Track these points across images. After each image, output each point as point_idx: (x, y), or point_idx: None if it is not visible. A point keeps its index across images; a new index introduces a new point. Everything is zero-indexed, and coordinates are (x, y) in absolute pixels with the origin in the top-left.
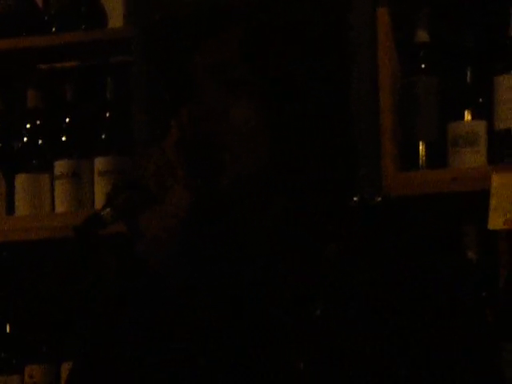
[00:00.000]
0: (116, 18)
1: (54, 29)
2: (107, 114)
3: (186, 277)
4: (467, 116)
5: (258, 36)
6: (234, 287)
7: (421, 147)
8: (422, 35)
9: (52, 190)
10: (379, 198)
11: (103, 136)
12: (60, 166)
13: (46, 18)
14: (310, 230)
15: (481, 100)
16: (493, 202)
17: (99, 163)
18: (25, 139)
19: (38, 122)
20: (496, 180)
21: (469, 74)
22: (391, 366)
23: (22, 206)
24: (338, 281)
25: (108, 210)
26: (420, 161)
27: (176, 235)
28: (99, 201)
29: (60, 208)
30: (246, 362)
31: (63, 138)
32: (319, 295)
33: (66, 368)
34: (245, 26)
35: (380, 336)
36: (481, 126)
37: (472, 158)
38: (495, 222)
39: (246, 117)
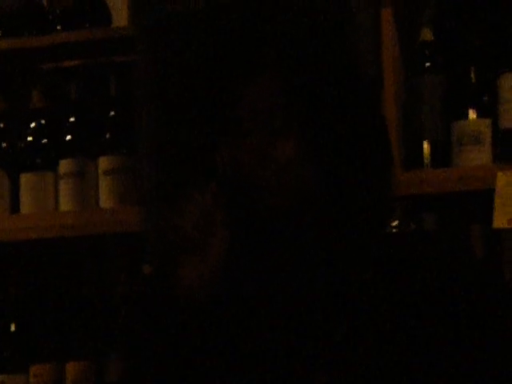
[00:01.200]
0: (120, 16)
1: (58, 28)
2: (111, 113)
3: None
4: (472, 115)
5: (297, 80)
6: (272, 319)
7: (425, 146)
8: (427, 34)
9: (56, 189)
10: (413, 226)
11: (107, 135)
12: (64, 165)
13: (50, 17)
14: (349, 257)
15: (485, 99)
16: (497, 201)
17: (103, 162)
18: (29, 138)
19: (43, 121)
20: (501, 179)
21: (473, 72)
22: None
23: (26, 205)
24: (370, 307)
25: (148, 266)
26: (425, 160)
27: (216, 282)
28: (103, 200)
29: (64, 207)
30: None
31: (67, 137)
32: (346, 321)
33: (70, 367)
34: (284, 68)
35: (402, 363)
36: (485, 125)
37: (477, 157)
38: (500, 220)
39: (288, 158)
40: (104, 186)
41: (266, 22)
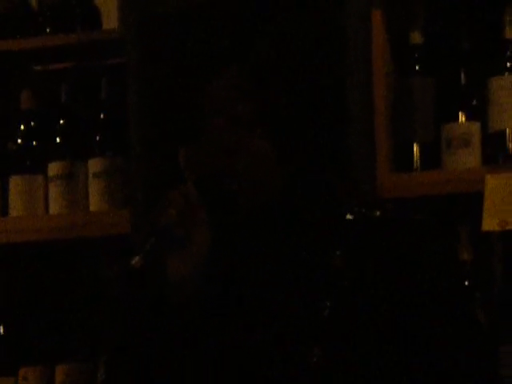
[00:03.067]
0: (110, 19)
1: (48, 30)
2: (101, 116)
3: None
4: (461, 117)
5: (257, 72)
6: (249, 303)
7: (415, 148)
8: (417, 37)
9: (46, 192)
10: (378, 213)
11: (97, 137)
12: (54, 168)
13: (40, 19)
14: (317, 241)
15: (475, 102)
16: (486, 204)
17: (93, 165)
18: (19, 141)
19: (32, 124)
20: (490, 181)
21: (463, 75)
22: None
23: (16, 208)
24: (345, 287)
25: (137, 258)
26: (414, 162)
27: (203, 274)
28: (93, 202)
29: (54, 209)
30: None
31: (57, 140)
32: (327, 299)
33: (60, 370)
34: (242, 61)
35: (385, 340)
36: (475, 128)
37: (466, 160)
38: (489, 223)
39: (255, 149)
40: (94, 188)
41: (239, 14)
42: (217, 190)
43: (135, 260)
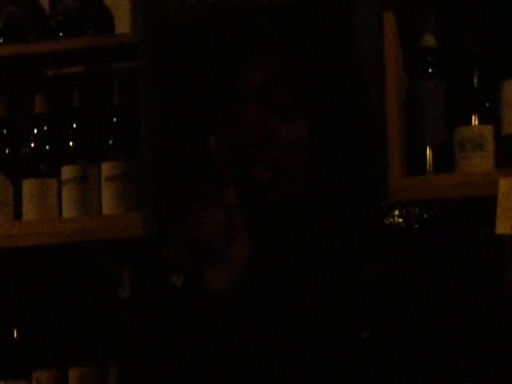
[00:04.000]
0: (123, 23)
1: (61, 34)
2: (114, 119)
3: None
4: (474, 120)
5: (299, 58)
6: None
7: (428, 152)
8: (429, 39)
9: (59, 195)
10: (413, 221)
11: (110, 141)
12: (67, 171)
13: (53, 23)
14: (352, 248)
15: (488, 104)
16: (500, 207)
17: (106, 168)
18: (32, 144)
19: (46, 128)
20: (503, 184)
21: (476, 78)
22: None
23: (29, 211)
24: (382, 298)
25: (179, 276)
26: (427, 165)
27: (240, 288)
28: (106, 206)
29: (67, 213)
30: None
31: (70, 144)
32: (365, 316)
33: (73, 373)
34: (285, 47)
35: (426, 352)
36: (488, 131)
37: (479, 163)
38: (502, 226)
39: (293, 137)
40: (107, 192)
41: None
42: (249, 179)
43: (176, 278)
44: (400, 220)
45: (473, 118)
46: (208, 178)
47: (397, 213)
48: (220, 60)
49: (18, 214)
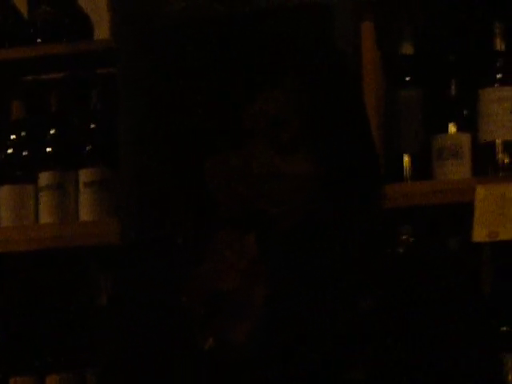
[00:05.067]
0: (102, 29)
1: (39, 40)
2: (92, 126)
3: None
4: (452, 128)
5: (313, 89)
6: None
7: (405, 159)
8: (407, 48)
9: (36, 202)
10: (401, 250)
11: (88, 147)
12: (44, 178)
13: (31, 29)
14: (345, 283)
15: (465, 112)
16: (477, 214)
17: (84, 174)
18: (9, 150)
19: (23, 134)
20: (480, 192)
21: (453, 86)
22: None
23: (6, 218)
24: (372, 335)
25: (210, 340)
26: (405, 173)
27: (262, 336)
28: (84, 212)
29: (44, 219)
30: None
31: (48, 150)
32: (357, 354)
33: (50, 380)
34: (300, 77)
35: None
36: (465, 139)
37: (456, 171)
38: (479, 234)
39: (297, 174)
40: (84, 198)
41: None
42: (256, 215)
43: (209, 342)
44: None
45: (450, 126)
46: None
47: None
48: (226, 78)
49: None
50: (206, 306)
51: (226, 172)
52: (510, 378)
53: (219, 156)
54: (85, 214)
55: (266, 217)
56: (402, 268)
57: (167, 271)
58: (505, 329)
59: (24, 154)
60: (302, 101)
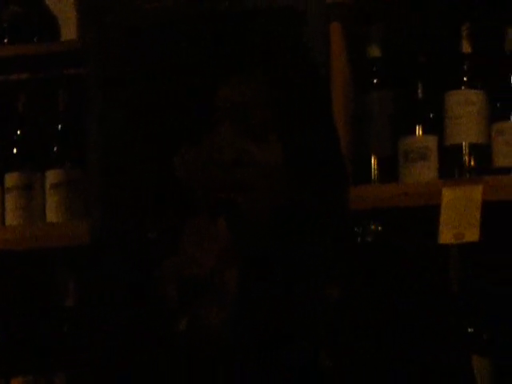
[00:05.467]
0: (69, 29)
1: (6, 40)
2: (59, 127)
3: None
4: (418, 131)
5: (280, 81)
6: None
7: (373, 161)
8: (375, 50)
9: (3, 203)
10: (369, 239)
11: (55, 148)
12: (11, 179)
13: None
14: (313, 270)
15: (432, 115)
16: (443, 217)
17: (51, 176)
18: None
19: None
20: (446, 195)
21: (420, 89)
22: None
23: None
24: (339, 326)
25: (184, 321)
26: (372, 175)
27: (236, 318)
28: (51, 213)
29: (11, 221)
30: None
31: (14, 150)
32: (323, 341)
33: (15, 383)
34: (268, 69)
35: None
36: (432, 141)
37: (423, 173)
38: (445, 236)
39: (268, 160)
40: (51, 199)
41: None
42: (222, 203)
43: (182, 324)
44: (358, 238)
45: (417, 128)
46: (170, 199)
47: (356, 229)
48: (187, 68)
49: None
50: (181, 290)
51: (196, 160)
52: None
53: (189, 145)
54: (52, 216)
55: (233, 204)
56: (371, 257)
57: (139, 264)
58: (472, 330)
59: None
60: (269, 91)
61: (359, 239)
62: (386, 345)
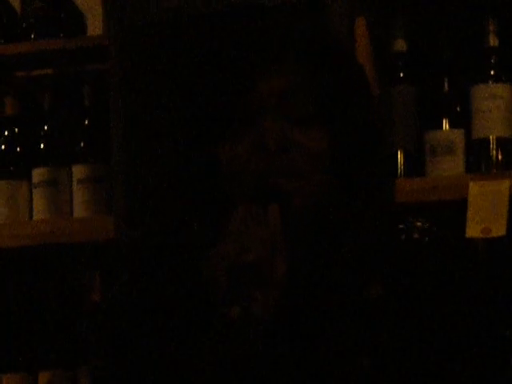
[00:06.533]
0: (95, 25)
1: (32, 36)
2: (85, 122)
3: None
4: (445, 125)
5: (324, 68)
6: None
7: (399, 155)
8: (400, 45)
9: (30, 198)
10: (416, 235)
11: (81, 144)
12: (38, 174)
13: (24, 25)
14: (354, 267)
15: (458, 109)
16: (470, 211)
17: (77, 171)
18: (3, 147)
19: (16, 130)
20: (473, 189)
21: (446, 83)
22: None
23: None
24: (379, 325)
25: (237, 309)
26: (398, 169)
27: (284, 308)
28: (77, 208)
29: (38, 215)
30: None
31: (41, 146)
32: (364, 342)
33: (43, 377)
34: (312, 55)
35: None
36: (458, 135)
37: (450, 167)
38: (473, 230)
39: (314, 146)
40: (78, 194)
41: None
42: (271, 190)
43: (234, 312)
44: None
45: (444, 122)
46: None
47: (401, 226)
48: (221, 64)
49: None
50: (231, 278)
51: (240, 150)
52: None
53: (231, 137)
54: (78, 211)
55: (283, 190)
56: (418, 252)
57: (184, 255)
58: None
59: (18, 150)
60: (309, 78)
61: (404, 236)
62: (424, 346)
